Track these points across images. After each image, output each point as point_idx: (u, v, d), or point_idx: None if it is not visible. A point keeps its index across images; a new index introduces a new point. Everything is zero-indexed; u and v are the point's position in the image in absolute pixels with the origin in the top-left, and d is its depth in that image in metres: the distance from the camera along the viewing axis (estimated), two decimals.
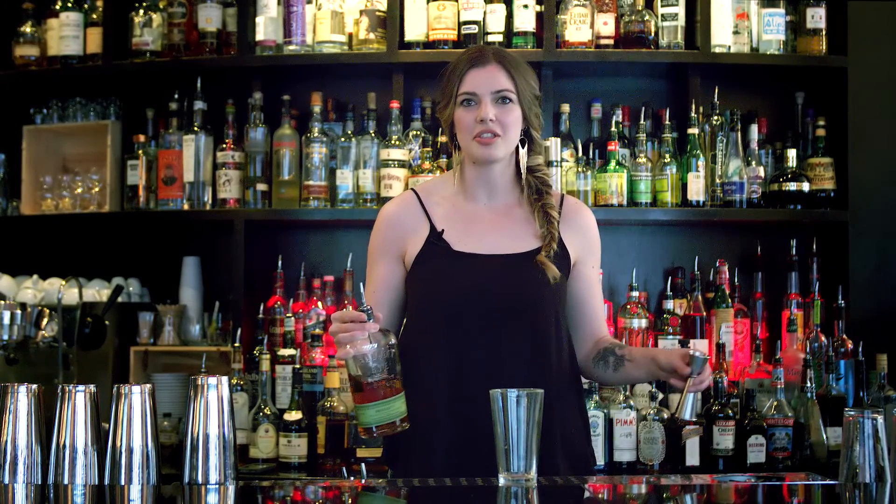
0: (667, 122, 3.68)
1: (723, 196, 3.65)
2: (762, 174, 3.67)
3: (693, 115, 3.65)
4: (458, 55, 2.49)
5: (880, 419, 1.88)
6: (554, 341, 2.37)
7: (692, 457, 3.32)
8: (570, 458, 2.37)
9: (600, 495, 2.03)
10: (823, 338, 3.56)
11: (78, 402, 1.85)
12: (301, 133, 3.76)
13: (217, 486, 1.84)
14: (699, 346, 2.30)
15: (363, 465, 2.42)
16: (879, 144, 3.87)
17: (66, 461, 1.84)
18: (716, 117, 3.70)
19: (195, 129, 3.79)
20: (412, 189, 2.53)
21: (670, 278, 3.70)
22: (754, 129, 3.69)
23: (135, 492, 1.81)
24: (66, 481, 1.84)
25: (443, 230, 2.41)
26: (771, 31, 3.70)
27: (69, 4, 3.94)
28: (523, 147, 2.43)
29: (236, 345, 3.51)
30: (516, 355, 2.33)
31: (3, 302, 3.42)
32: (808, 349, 3.52)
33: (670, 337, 3.54)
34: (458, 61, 2.43)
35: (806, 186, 3.65)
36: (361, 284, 2.41)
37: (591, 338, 2.48)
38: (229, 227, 3.72)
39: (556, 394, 2.30)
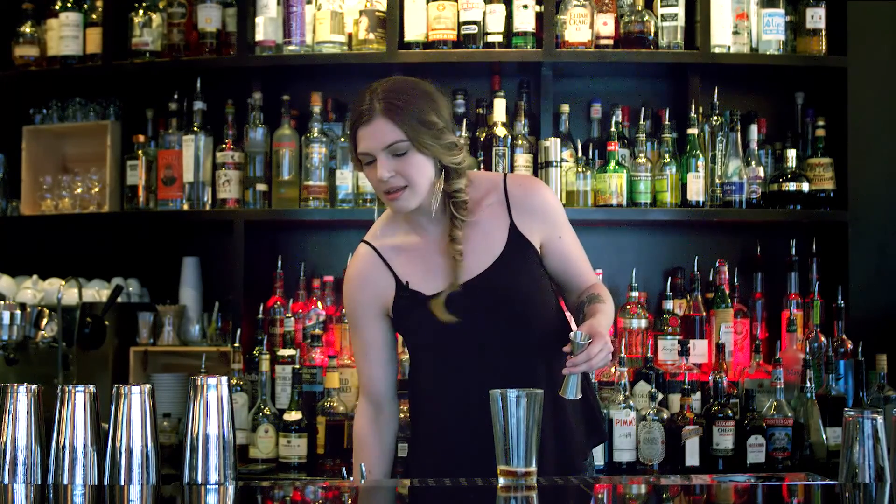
0: (666, 123, 3.68)
1: (722, 196, 3.65)
2: (762, 174, 3.67)
3: (693, 115, 3.65)
4: (352, 107, 2.38)
5: (880, 419, 1.88)
6: (547, 337, 2.36)
7: (692, 457, 3.32)
8: (566, 470, 2.36)
9: (600, 495, 2.03)
10: (823, 338, 3.56)
11: (77, 402, 1.85)
12: (301, 133, 3.76)
13: (217, 486, 1.84)
14: (597, 328, 2.20)
15: (363, 465, 2.41)
16: (879, 144, 3.87)
17: (66, 461, 1.84)
18: (715, 117, 3.70)
19: (195, 129, 3.79)
20: (366, 243, 2.46)
21: (670, 278, 3.70)
22: (754, 129, 3.69)
23: (134, 492, 1.81)
24: (65, 481, 1.83)
25: (407, 282, 2.39)
26: (770, 31, 3.70)
27: (69, 4, 3.94)
28: (442, 178, 2.34)
29: (236, 345, 3.51)
30: (517, 368, 2.32)
31: (2, 302, 3.42)
32: (807, 349, 3.52)
33: (670, 337, 3.55)
34: (350, 115, 2.35)
35: (806, 187, 3.65)
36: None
37: (579, 293, 2.47)
38: (229, 228, 3.72)
39: (557, 397, 2.31)
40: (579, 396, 2.23)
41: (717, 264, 3.68)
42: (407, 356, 3.41)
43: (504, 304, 2.35)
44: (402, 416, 3.28)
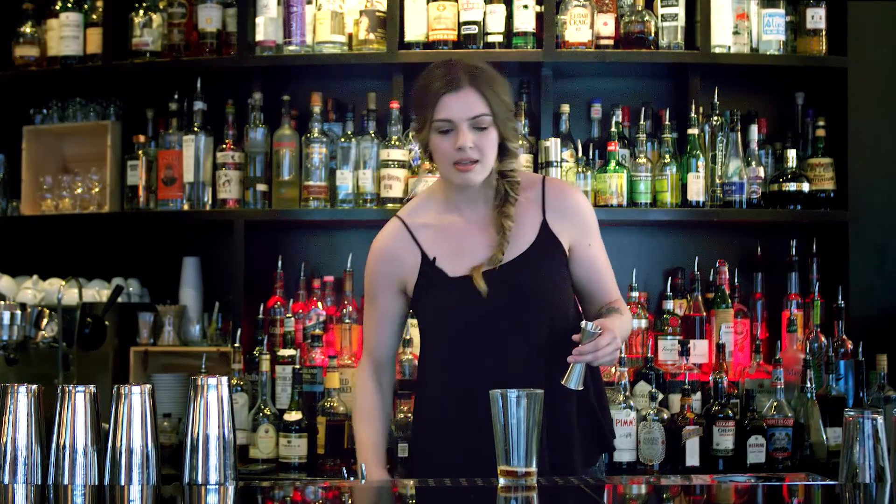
0: (667, 123, 3.68)
1: (723, 196, 3.65)
2: (762, 174, 3.67)
3: (693, 115, 3.65)
4: (425, 71, 2.41)
5: (880, 419, 1.88)
6: (560, 339, 2.36)
7: (692, 457, 3.32)
8: (586, 438, 2.42)
9: (600, 496, 2.03)
10: (823, 338, 3.56)
11: (78, 402, 1.85)
12: (301, 133, 3.76)
13: (217, 486, 1.84)
14: (609, 325, 2.26)
15: (363, 465, 2.41)
16: (879, 144, 3.87)
17: (66, 462, 1.84)
18: (716, 117, 3.70)
19: (195, 129, 3.79)
20: (398, 217, 2.51)
21: (670, 278, 3.70)
22: (754, 129, 3.69)
23: (135, 492, 1.81)
24: (66, 482, 1.83)
25: (434, 258, 2.42)
26: (771, 31, 3.70)
27: (69, 5, 3.94)
28: (498, 159, 2.41)
29: (236, 345, 3.51)
30: (526, 363, 2.35)
31: (3, 302, 3.41)
32: (807, 349, 3.52)
33: (670, 337, 3.55)
34: (430, 82, 2.37)
35: (806, 187, 3.65)
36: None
37: (600, 306, 2.50)
38: (229, 228, 3.72)
39: (569, 391, 2.32)
40: (581, 388, 2.25)
41: (717, 264, 3.68)
42: (407, 357, 3.42)
43: (523, 296, 2.36)
44: (401, 415, 3.30)
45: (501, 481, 1.89)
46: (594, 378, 2.49)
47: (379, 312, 2.52)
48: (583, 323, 2.25)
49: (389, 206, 3.59)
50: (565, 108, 3.76)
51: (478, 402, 2.16)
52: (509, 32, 3.68)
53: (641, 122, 3.70)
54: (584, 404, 2.43)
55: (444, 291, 2.39)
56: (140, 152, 3.88)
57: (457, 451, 2.36)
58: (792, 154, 3.68)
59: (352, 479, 2.75)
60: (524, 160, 3.66)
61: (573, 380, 2.25)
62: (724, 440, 3.33)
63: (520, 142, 2.45)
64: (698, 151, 3.64)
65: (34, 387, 1.88)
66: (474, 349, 2.36)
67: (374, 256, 2.51)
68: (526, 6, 3.65)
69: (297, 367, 3.49)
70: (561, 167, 3.62)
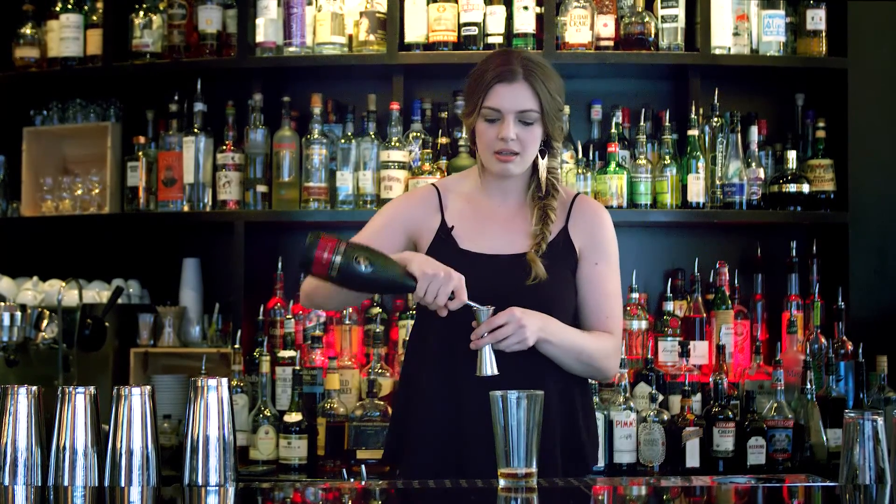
0: (667, 124, 3.68)
1: (723, 197, 3.65)
2: (762, 176, 3.67)
3: (693, 116, 3.65)
4: (485, 57, 2.44)
5: (880, 421, 1.88)
6: None
7: (692, 458, 3.32)
8: (565, 456, 2.38)
9: (600, 497, 2.03)
10: (823, 339, 3.56)
11: (78, 403, 1.85)
12: (301, 134, 3.76)
13: (217, 487, 1.84)
14: (517, 311, 2.24)
15: (363, 466, 2.41)
16: (879, 145, 3.87)
17: (66, 463, 1.84)
18: (716, 119, 3.70)
19: (195, 130, 3.79)
20: (433, 184, 2.56)
21: (670, 280, 3.70)
22: (754, 130, 3.69)
23: (135, 493, 1.81)
24: (66, 483, 1.83)
25: (452, 227, 2.44)
26: (771, 32, 3.70)
27: (69, 6, 3.95)
28: (542, 157, 2.45)
29: (236, 346, 3.51)
30: (512, 355, 2.33)
31: (3, 304, 3.41)
32: (808, 351, 3.52)
33: (670, 338, 3.55)
34: (485, 69, 2.40)
35: (806, 188, 3.65)
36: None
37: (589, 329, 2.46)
38: (229, 229, 3.72)
39: (553, 393, 2.32)
40: (496, 373, 2.21)
41: (717, 265, 3.68)
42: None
43: (525, 288, 2.35)
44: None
45: (502, 483, 1.89)
46: (583, 395, 2.47)
47: (373, 229, 2.46)
48: (474, 306, 2.23)
49: None
50: (565, 109, 3.73)
51: (458, 378, 2.28)
52: (509, 34, 3.69)
53: (641, 123, 3.70)
54: (567, 410, 2.41)
55: (449, 261, 2.35)
56: (140, 153, 3.88)
57: (444, 423, 2.36)
58: (792, 155, 3.68)
59: (352, 480, 2.75)
60: None
61: (484, 367, 2.22)
62: (725, 441, 3.33)
63: (562, 139, 2.49)
64: (698, 153, 3.64)
65: (34, 388, 1.88)
66: (460, 327, 2.31)
67: (401, 197, 2.56)
68: (526, 7, 3.65)
69: (298, 368, 3.50)
70: (561, 168, 3.62)
